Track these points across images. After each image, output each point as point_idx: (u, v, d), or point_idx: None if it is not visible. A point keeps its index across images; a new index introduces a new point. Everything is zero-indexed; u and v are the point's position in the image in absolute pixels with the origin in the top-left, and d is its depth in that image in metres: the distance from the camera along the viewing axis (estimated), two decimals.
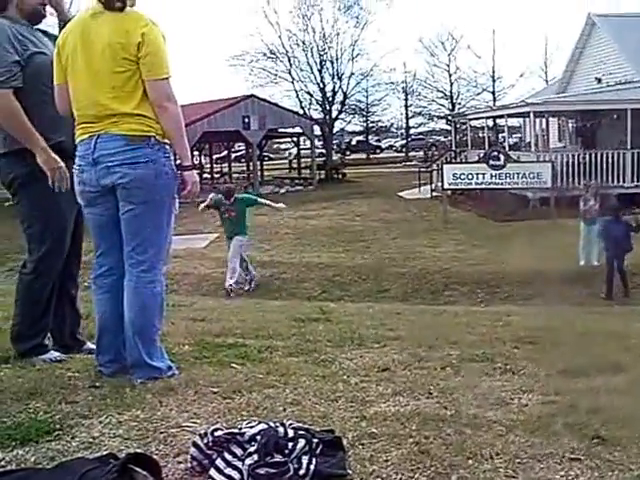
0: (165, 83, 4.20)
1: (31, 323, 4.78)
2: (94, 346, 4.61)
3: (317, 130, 50.47)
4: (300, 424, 3.24)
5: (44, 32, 4.88)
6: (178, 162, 4.43)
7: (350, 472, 2.95)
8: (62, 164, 4.55)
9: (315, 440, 3.05)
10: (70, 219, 4.77)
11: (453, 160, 34.90)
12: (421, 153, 57.72)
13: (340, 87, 53.90)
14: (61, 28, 4.71)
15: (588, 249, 16.82)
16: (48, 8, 4.85)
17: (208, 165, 51.45)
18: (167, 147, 4.29)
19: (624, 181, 26.34)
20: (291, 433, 3.05)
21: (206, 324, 6.34)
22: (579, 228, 17.16)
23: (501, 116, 35.36)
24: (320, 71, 53.02)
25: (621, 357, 4.97)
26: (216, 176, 48.38)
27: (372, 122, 69.81)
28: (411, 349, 5.26)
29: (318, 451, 3.02)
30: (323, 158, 50.22)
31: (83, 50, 4.19)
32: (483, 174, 24.59)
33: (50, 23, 4.98)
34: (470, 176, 24.94)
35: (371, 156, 69.45)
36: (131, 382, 4.18)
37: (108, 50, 4.11)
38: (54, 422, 3.54)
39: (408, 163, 57.42)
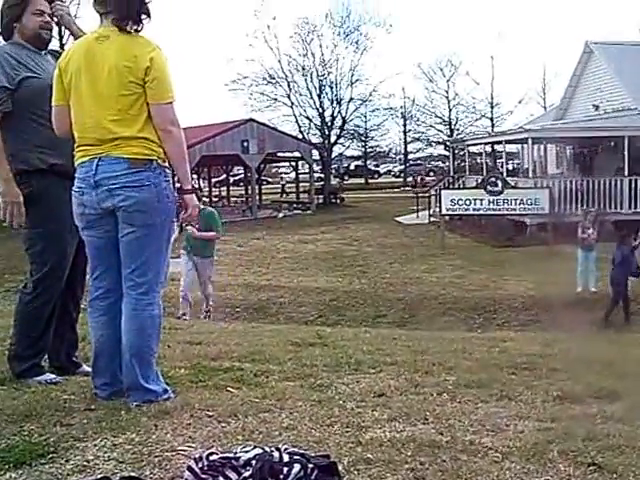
0: (170, 107, 4.25)
1: (28, 344, 4.77)
2: (90, 369, 4.60)
3: (316, 154, 50.62)
4: (295, 449, 3.23)
5: (55, 55, 4.92)
6: (178, 185, 4.45)
7: None
8: (21, 200, 4.62)
9: (310, 465, 3.03)
10: (71, 241, 4.77)
11: (451, 186, 34.96)
12: (418, 178, 57.78)
13: (339, 112, 54.12)
14: None
15: (586, 275, 16.80)
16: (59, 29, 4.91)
17: (207, 189, 51.55)
18: (167, 171, 4.31)
19: (621, 208, 26.41)
20: (286, 458, 3.04)
21: (202, 347, 6.33)
22: (577, 254, 17.12)
23: (499, 142, 35.51)
24: (319, 96, 53.26)
25: (618, 384, 4.96)
26: (215, 200, 48.45)
27: (370, 147, 70.01)
28: (407, 375, 5.25)
29: (313, 476, 3.00)
30: (321, 182, 50.32)
31: (88, 72, 4.21)
32: (481, 200, 24.67)
33: None
34: (468, 202, 25.01)
35: (369, 181, 69.56)
36: (127, 405, 4.17)
37: (115, 73, 4.14)
38: (48, 445, 3.54)
39: (406, 188, 57.54)
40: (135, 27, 4.21)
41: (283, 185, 52.29)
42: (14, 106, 4.64)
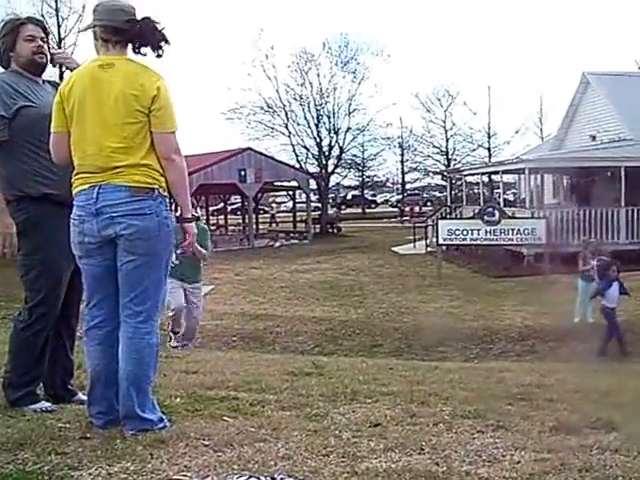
0: (174, 136, 4.29)
1: (23, 371, 4.77)
2: (85, 397, 4.59)
3: (313, 184, 50.70)
4: (291, 479, 3.22)
5: (54, 85, 4.96)
6: (178, 214, 4.47)
7: None
8: (13, 230, 4.73)
9: None
10: (66, 269, 4.78)
11: (448, 216, 35.03)
12: (407, 208, 57.92)
13: (337, 141, 54.32)
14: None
15: (585, 306, 16.68)
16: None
17: (204, 217, 51.52)
18: (167, 200, 4.33)
19: (618, 238, 26.48)
20: None
21: (198, 376, 6.32)
22: (576, 284, 17.01)
23: (496, 172, 35.63)
24: (317, 125, 53.47)
25: (614, 415, 4.96)
26: (212, 228, 48.43)
27: (368, 177, 70.25)
28: (403, 405, 5.24)
29: None
30: (318, 212, 50.39)
31: (93, 100, 4.22)
32: (478, 230, 24.70)
33: None
34: (465, 232, 25.05)
35: (366, 211, 69.70)
36: (122, 434, 4.16)
37: (122, 101, 4.17)
38: (43, 473, 3.52)
39: (394, 219, 57.66)
40: (157, 52, 4.26)
41: (273, 215, 52.05)
42: (11, 134, 4.68)
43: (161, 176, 4.27)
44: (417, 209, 57.82)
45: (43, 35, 4.98)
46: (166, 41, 4.30)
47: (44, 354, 4.82)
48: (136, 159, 4.19)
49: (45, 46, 4.96)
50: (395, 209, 68.89)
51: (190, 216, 4.50)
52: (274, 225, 51.14)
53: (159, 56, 4.30)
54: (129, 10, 4.33)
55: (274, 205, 53.60)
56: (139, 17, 4.31)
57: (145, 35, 4.27)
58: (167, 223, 4.30)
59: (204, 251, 10.79)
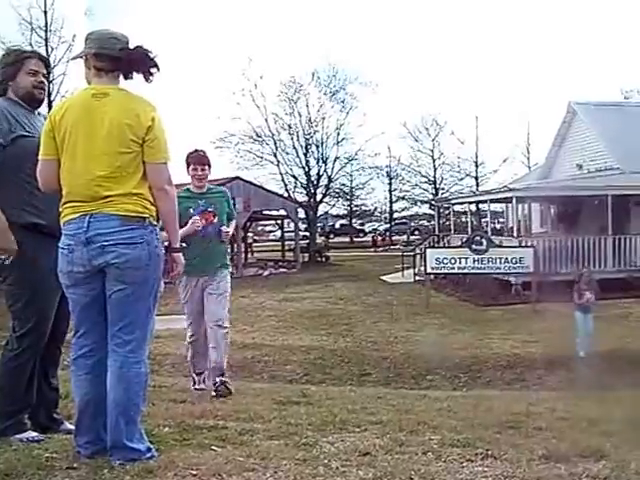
0: (166, 167, 4.34)
1: (11, 401, 4.75)
2: (72, 426, 4.57)
3: (301, 213, 50.72)
4: None
5: (45, 117, 4.99)
6: (166, 243, 4.48)
7: None
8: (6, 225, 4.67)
9: None
10: (54, 298, 4.77)
11: (436, 244, 35.09)
12: (404, 237, 58.11)
13: (325, 171, 54.36)
14: None
15: (586, 339, 16.14)
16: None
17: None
18: (157, 229, 4.34)
19: (605, 266, 26.56)
20: None
21: (186, 406, 6.30)
22: (574, 317, 16.58)
23: (484, 201, 35.72)
24: (305, 154, 53.52)
25: (603, 443, 4.96)
26: None
27: (356, 206, 70.33)
28: (392, 433, 5.23)
29: None
30: (307, 241, 50.38)
31: (86, 129, 4.23)
32: (466, 259, 24.73)
33: None
34: (453, 260, 25.08)
35: (354, 239, 69.76)
36: (110, 464, 4.13)
37: (116, 130, 4.19)
38: None
39: (392, 247, 57.75)
40: (148, 79, 4.29)
41: (250, 244, 51.60)
42: (3, 162, 4.69)
43: (152, 205, 4.29)
44: (380, 239, 62.68)
45: (45, 71, 5.03)
46: (157, 68, 4.34)
47: (32, 383, 4.81)
48: (128, 188, 4.20)
49: (45, 82, 5.01)
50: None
51: (179, 246, 4.53)
52: (251, 255, 50.89)
53: (148, 81, 4.33)
54: (122, 39, 4.37)
55: (250, 234, 53.25)
56: (132, 45, 4.34)
57: (138, 63, 4.30)
58: (158, 252, 4.32)
59: (227, 229, 7.84)
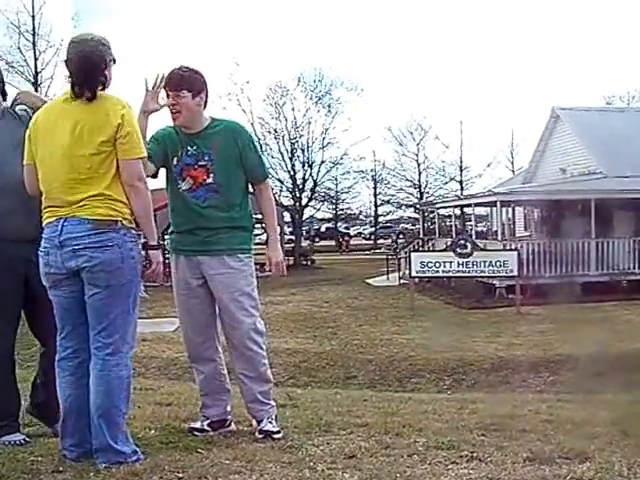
0: (138, 163, 4.33)
1: None
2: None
3: (287, 217, 50.69)
4: None
5: (15, 114, 4.99)
6: (144, 241, 4.49)
7: None
8: None
9: None
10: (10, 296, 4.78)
11: (421, 248, 35.14)
12: (389, 241, 58.18)
13: (310, 175, 54.34)
14: None
15: None
16: None
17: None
18: (133, 231, 4.35)
19: (589, 270, 26.68)
20: None
21: (173, 408, 6.29)
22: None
23: (468, 205, 35.85)
24: (291, 159, 53.45)
25: (587, 445, 4.99)
26: None
27: (341, 209, 70.39)
28: (378, 436, 5.23)
29: None
30: (292, 244, 50.36)
31: (56, 133, 4.29)
32: (450, 262, 24.79)
33: None
34: (437, 264, 25.14)
35: (350, 243, 69.77)
36: (95, 467, 4.14)
37: (86, 133, 4.22)
38: None
39: (377, 250, 57.83)
40: (88, 95, 4.27)
41: None
42: None
43: (125, 208, 4.30)
44: (346, 240, 64.83)
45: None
46: (105, 78, 4.34)
47: (8, 383, 4.82)
48: (99, 189, 4.23)
49: None
50: (369, 242, 69.20)
51: (155, 244, 4.52)
52: None
53: (90, 100, 4.30)
54: (83, 42, 4.36)
55: None
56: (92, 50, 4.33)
57: (83, 69, 4.29)
58: (132, 255, 4.32)
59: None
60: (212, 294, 5.14)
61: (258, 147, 5.42)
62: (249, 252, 5.24)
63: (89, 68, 4.29)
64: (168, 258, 5.12)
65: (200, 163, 5.09)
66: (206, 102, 5.14)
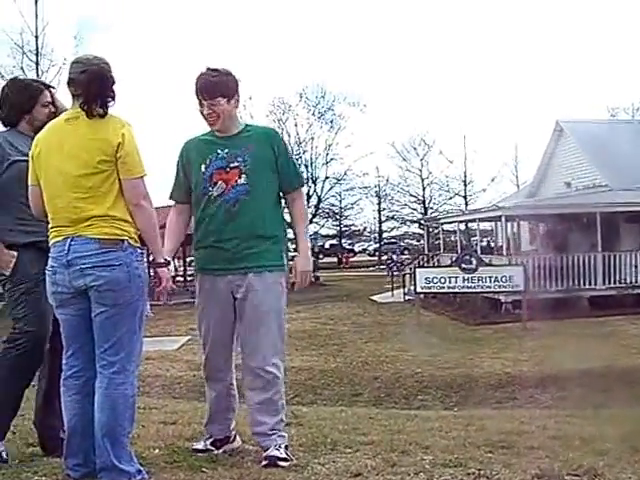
0: (141, 182, 4.32)
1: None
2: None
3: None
4: None
5: None
6: (152, 259, 4.48)
7: None
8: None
9: None
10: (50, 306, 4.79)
11: (425, 264, 35.12)
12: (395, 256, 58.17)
13: (314, 191, 54.53)
14: None
15: None
16: None
17: (182, 268, 51.36)
18: (139, 250, 4.34)
19: (595, 284, 26.62)
20: None
21: (177, 427, 6.25)
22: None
23: (473, 220, 35.82)
24: None
25: (596, 461, 4.94)
26: (189, 279, 48.18)
27: (345, 226, 70.48)
28: (384, 454, 5.19)
29: None
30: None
31: (58, 153, 4.29)
32: (455, 278, 24.76)
33: None
34: (443, 280, 25.10)
35: (349, 260, 69.79)
36: None
37: (85, 152, 4.22)
38: None
39: (381, 267, 57.85)
40: (99, 111, 4.28)
41: None
42: (3, 186, 4.78)
43: (130, 227, 4.30)
44: (346, 256, 65.00)
45: (52, 100, 5.11)
46: (112, 98, 4.34)
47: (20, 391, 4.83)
48: (102, 210, 4.23)
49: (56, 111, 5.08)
50: (373, 258, 69.18)
51: (162, 260, 4.51)
52: None
53: (101, 115, 4.30)
54: (87, 62, 4.36)
55: None
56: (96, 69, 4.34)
57: (87, 90, 4.29)
58: (138, 273, 4.31)
59: None
60: (235, 313, 4.97)
61: (292, 154, 5.27)
62: (281, 269, 5.10)
63: (100, 83, 4.30)
64: (175, 276, 5.08)
65: (232, 165, 4.90)
66: (239, 100, 5.01)
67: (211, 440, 5.14)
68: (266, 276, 4.94)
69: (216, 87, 4.83)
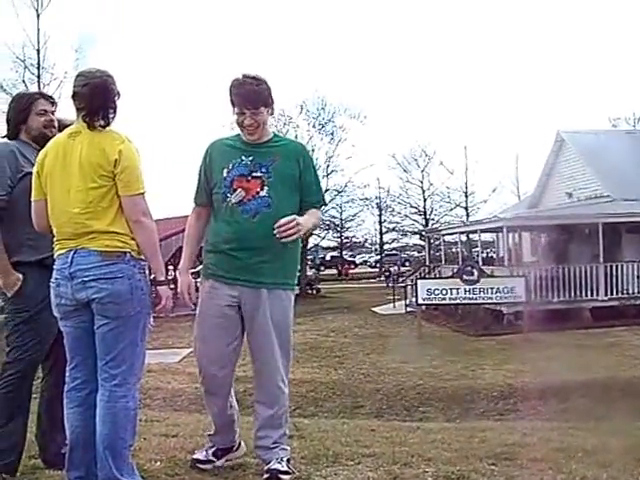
0: (140, 198, 4.31)
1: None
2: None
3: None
4: None
5: None
6: (152, 277, 4.47)
7: None
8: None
9: None
10: (50, 328, 4.77)
11: (427, 275, 35.11)
12: (401, 268, 58.12)
13: None
14: None
15: None
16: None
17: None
18: (142, 263, 4.33)
19: (597, 295, 26.58)
20: None
21: (179, 440, 6.23)
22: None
23: (474, 231, 35.82)
24: None
25: (599, 474, 4.92)
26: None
27: (346, 237, 70.45)
28: (386, 466, 5.18)
29: None
30: (297, 274, 50.30)
31: (61, 168, 4.32)
32: (457, 289, 24.76)
33: None
34: (444, 291, 25.10)
35: (349, 271, 69.77)
36: None
37: (86, 167, 4.24)
38: None
39: (381, 278, 57.86)
40: (101, 123, 4.29)
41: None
42: (12, 199, 4.79)
43: (132, 240, 4.31)
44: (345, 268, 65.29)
45: (53, 109, 5.12)
46: (114, 110, 4.35)
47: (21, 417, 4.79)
48: (102, 225, 4.24)
49: (55, 120, 5.06)
50: (374, 269, 69.18)
51: (163, 279, 4.49)
52: None
53: (103, 126, 4.31)
54: (89, 75, 4.37)
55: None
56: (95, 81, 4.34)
57: (89, 103, 4.30)
58: (140, 286, 4.31)
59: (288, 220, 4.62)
60: (242, 325, 4.90)
61: (317, 171, 5.13)
62: (293, 287, 5.06)
63: (101, 95, 4.32)
64: (173, 288, 4.97)
65: (255, 174, 4.76)
66: (274, 109, 4.91)
67: (213, 449, 5.09)
68: (279, 293, 4.89)
69: (260, 97, 4.74)
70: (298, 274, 5.15)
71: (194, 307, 4.92)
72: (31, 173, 4.74)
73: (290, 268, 4.98)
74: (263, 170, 4.76)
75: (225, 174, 4.79)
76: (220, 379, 4.99)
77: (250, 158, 4.78)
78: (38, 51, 40.51)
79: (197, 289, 4.97)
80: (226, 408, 5.07)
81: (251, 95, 4.70)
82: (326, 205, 5.20)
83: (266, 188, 4.74)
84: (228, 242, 4.78)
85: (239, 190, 4.74)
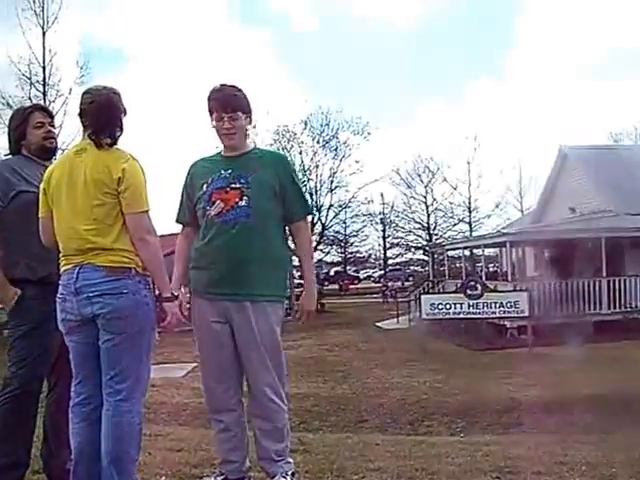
0: (144, 216, 4.35)
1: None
2: None
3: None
4: None
5: None
6: (158, 293, 4.49)
7: None
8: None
9: None
10: (51, 342, 4.78)
11: (431, 290, 35.08)
12: (398, 283, 57.96)
13: (319, 218, 54.40)
14: None
15: None
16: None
17: (188, 295, 51.25)
18: (147, 278, 4.36)
19: (600, 308, 26.56)
20: None
21: (184, 454, 6.24)
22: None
23: (478, 246, 35.82)
24: None
25: None
26: None
27: (350, 253, 70.39)
28: None
29: None
30: (301, 289, 50.19)
31: (67, 185, 4.36)
32: (461, 304, 24.72)
33: None
34: (448, 306, 25.06)
35: (349, 286, 69.66)
36: None
37: (91, 184, 4.28)
38: None
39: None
40: (107, 141, 4.33)
41: None
42: (6, 218, 4.78)
43: (137, 256, 4.35)
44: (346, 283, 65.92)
45: (49, 120, 5.12)
46: (120, 128, 4.40)
47: (27, 433, 4.80)
48: (108, 242, 4.28)
49: (54, 130, 5.09)
50: (378, 285, 69.10)
51: (169, 295, 4.51)
52: None
53: (110, 145, 4.36)
54: (96, 92, 4.41)
55: None
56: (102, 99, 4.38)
57: (95, 121, 4.34)
58: (146, 302, 4.35)
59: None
60: (233, 339, 4.81)
61: (300, 182, 5.02)
62: (280, 299, 5.01)
63: (107, 112, 4.36)
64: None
65: (233, 186, 4.72)
66: (252, 119, 4.93)
67: (223, 477, 4.98)
68: (263, 306, 4.81)
69: (239, 102, 4.77)
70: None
71: (189, 323, 4.93)
72: (25, 192, 4.79)
73: (274, 279, 4.91)
74: (242, 181, 4.72)
75: (205, 189, 4.78)
76: (225, 395, 4.91)
77: (229, 171, 4.76)
78: (44, 68, 40.61)
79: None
80: (235, 426, 4.95)
81: (230, 99, 4.75)
82: (312, 214, 5.16)
83: (245, 198, 4.69)
84: (209, 256, 4.75)
85: (218, 202, 4.71)
